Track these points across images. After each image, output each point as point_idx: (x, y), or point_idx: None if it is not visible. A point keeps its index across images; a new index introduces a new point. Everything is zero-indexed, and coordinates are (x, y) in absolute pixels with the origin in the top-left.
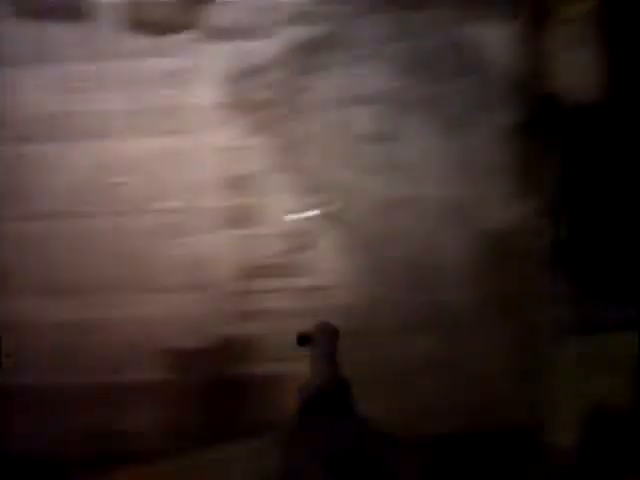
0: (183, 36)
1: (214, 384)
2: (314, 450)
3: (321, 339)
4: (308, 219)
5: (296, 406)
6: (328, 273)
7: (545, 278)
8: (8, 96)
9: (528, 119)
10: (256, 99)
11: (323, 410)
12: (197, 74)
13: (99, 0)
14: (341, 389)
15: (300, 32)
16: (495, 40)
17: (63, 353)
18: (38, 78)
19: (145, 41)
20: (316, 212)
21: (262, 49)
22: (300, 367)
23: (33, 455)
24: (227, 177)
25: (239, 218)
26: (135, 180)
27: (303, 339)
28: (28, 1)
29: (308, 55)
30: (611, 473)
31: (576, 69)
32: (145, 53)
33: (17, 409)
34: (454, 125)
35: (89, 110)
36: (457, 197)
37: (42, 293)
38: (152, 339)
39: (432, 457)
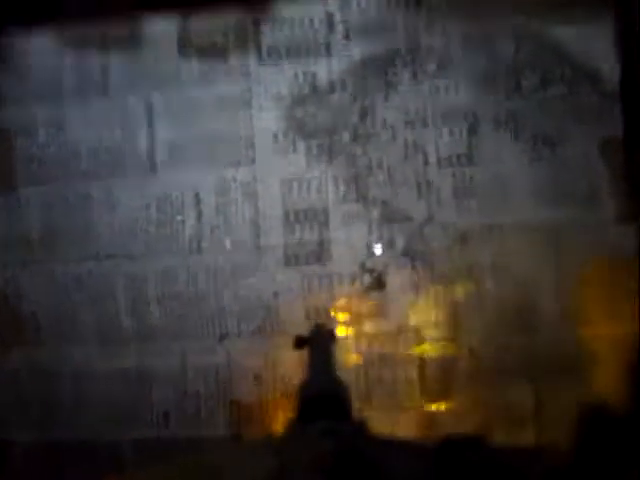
0: (236, 60)
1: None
2: (312, 453)
3: (318, 342)
4: (380, 255)
5: (294, 409)
6: (403, 316)
7: None
8: (51, 132)
9: (627, 132)
10: (318, 124)
11: (321, 413)
12: (253, 99)
13: (148, 28)
14: (339, 392)
15: (363, 48)
16: (585, 46)
17: (120, 404)
18: (82, 112)
19: (196, 67)
20: (388, 247)
21: (322, 69)
22: (380, 415)
23: None
24: (291, 211)
25: (307, 255)
26: (192, 217)
27: (300, 342)
28: (71, 31)
29: (372, 74)
30: (610, 473)
31: None
32: (197, 80)
33: (68, 464)
34: (542, 143)
35: (137, 144)
36: (548, 224)
37: (102, 341)
38: (215, 389)
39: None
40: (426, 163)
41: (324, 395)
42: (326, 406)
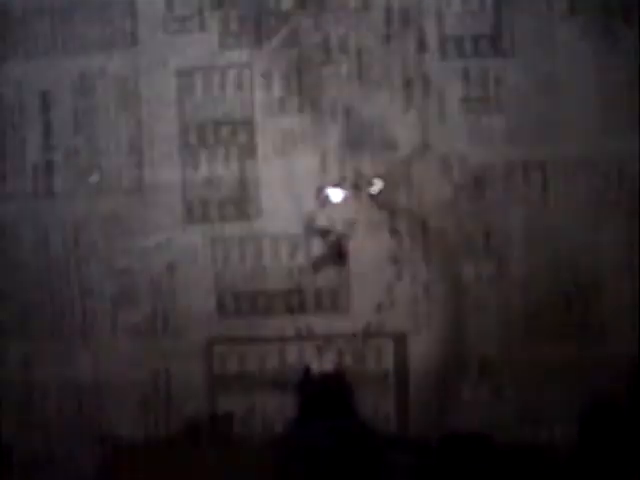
0: None
1: None
2: (314, 451)
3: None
4: (339, 205)
5: (296, 406)
6: (373, 309)
7: None
8: None
9: None
10: None
11: (324, 410)
12: None
13: None
14: (342, 389)
15: None
16: None
17: None
18: None
19: None
20: (353, 193)
21: None
22: None
23: None
24: (192, 124)
25: (219, 203)
26: (35, 131)
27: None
28: None
29: None
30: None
31: None
32: None
33: None
34: (622, 20)
35: None
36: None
37: None
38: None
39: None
40: (422, 49)
41: (327, 392)
42: (329, 403)
